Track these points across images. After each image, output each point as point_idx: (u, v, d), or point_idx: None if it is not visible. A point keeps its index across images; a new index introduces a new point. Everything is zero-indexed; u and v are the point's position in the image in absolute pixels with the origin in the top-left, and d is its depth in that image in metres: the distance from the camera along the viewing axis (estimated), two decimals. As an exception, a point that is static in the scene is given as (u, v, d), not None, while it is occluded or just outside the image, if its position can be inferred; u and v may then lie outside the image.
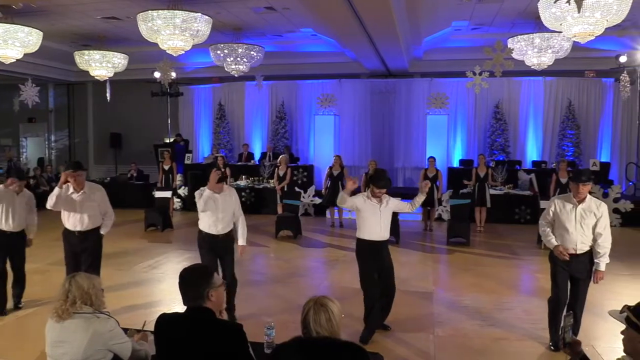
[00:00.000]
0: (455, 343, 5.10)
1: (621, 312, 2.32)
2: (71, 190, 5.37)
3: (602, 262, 4.61)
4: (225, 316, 2.88)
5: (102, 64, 12.62)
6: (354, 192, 5.15)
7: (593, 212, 4.59)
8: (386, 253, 5.21)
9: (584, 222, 4.58)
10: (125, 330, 3.38)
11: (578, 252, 4.64)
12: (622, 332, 2.30)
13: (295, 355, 2.47)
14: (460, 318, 5.76)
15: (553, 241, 4.69)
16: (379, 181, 5.04)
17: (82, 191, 5.40)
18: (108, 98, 14.55)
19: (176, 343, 2.67)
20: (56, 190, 5.28)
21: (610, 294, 6.41)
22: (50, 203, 5.31)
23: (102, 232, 5.60)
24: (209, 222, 5.33)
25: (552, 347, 4.87)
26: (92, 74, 12.87)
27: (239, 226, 5.48)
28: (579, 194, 4.57)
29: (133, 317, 5.38)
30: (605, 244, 4.61)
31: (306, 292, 6.54)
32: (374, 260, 5.14)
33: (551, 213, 4.76)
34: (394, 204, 5.25)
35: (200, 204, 5.25)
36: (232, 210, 5.37)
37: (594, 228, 4.61)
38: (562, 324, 2.62)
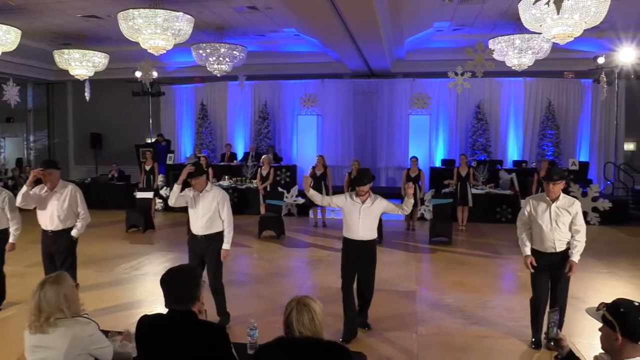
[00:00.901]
0: (438, 341, 5.13)
1: (598, 309, 2.36)
2: (45, 189, 5.32)
3: (577, 255, 4.67)
4: (205, 316, 2.83)
5: (82, 63, 12.45)
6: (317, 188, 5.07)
7: (567, 210, 4.68)
8: (367, 254, 5.11)
9: (559, 220, 4.67)
10: (106, 332, 3.33)
11: (557, 249, 4.72)
12: (600, 330, 2.33)
13: (278, 356, 2.46)
14: (443, 317, 5.80)
15: (526, 250, 4.82)
16: (360, 179, 5.04)
17: (54, 190, 5.33)
18: (87, 98, 14.36)
19: (158, 345, 2.64)
20: (24, 188, 5.23)
21: (590, 292, 6.52)
22: (17, 200, 5.27)
23: (72, 234, 5.45)
24: (191, 221, 5.29)
25: (533, 345, 4.92)
26: (72, 73, 12.70)
27: (225, 229, 5.26)
28: (552, 193, 4.66)
29: (114, 319, 5.34)
30: (581, 239, 4.68)
31: (289, 292, 6.52)
32: (352, 260, 5.11)
33: (526, 213, 4.86)
34: (382, 205, 5.10)
35: (171, 198, 5.23)
36: (213, 211, 5.17)
37: (570, 226, 4.69)
38: (547, 320, 2.65)
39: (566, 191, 5.09)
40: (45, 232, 5.40)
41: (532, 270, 4.79)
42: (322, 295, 6.19)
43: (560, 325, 4.67)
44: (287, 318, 2.47)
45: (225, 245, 5.26)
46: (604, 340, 2.30)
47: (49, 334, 2.72)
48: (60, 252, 5.38)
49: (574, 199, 4.81)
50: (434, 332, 5.37)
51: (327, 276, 7.46)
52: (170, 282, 2.70)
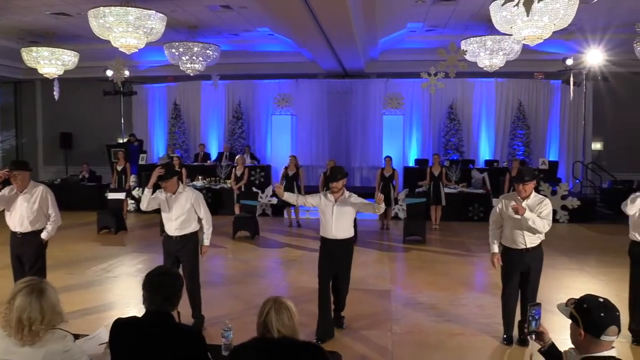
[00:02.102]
0: (413, 339, 5.18)
1: (566, 305, 2.42)
2: (14, 190, 5.21)
3: (533, 216, 4.65)
4: (179, 319, 2.79)
5: (51, 62, 12.20)
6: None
7: (537, 208, 4.76)
8: (342, 253, 5.11)
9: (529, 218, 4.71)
10: (77, 336, 3.28)
11: (528, 246, 4.80)
12: (570, 325, 2.39)
13: (253, 356, 2.46)
14: (417, 315, 5.86)
15: (494, 248, 4.99)
16: (332, 176, 5.07)
17: (24, 191, 5.20)
18: (56, 97, 14.08)
19: (133, 349, 2.59)
20: None
21: (560, 288, 6.66)
22: None
23: (42, 236, 5.32)
24: (164, 223, 5.25)
25: (505, 342, 5.01)
26: (40, 71, 12.44)
27: (204, 226, 5.26)
28: (522, 192, 4.77)
29: (85, 322, 5.24)
30: (544, 224, 4.67)
31: (264, 292, 6.50)
32: (328, 259, 5.12)
33: (498, 212, 4.98)
34: (355, 202, 5.10)
35: (142, 203, 5.16)
36: (187, 212, 5.11)
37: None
38: (527, 314, 2.71)
39: (537, 190, 5.21)
40: (14, 233, 5.27)
41: (496, 268, 4.96)
42: (297, 295, 6.20)
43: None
44: (265, 318, 2.45)
45: (206, 242, 5.28)
46: (572, 336, 2.36)
47: (19, 347, 2.51)
48: (29, 255, 5.26)
49: (544, 197, 4.90)
50: (408, 330, 5.42)
51: (301, 276, 7.46)
52: (159, 283, 2.63)
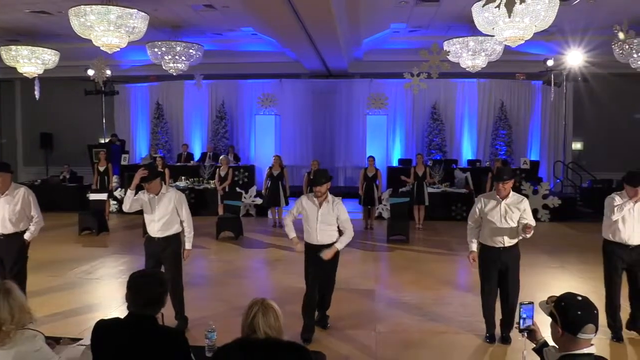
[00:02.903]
0: (397, 338, 5.21)
1: (547, 303, 2.45)
2: None
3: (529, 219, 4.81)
4: (162, 321, 2.77)
5: (31, 60, 12.00)
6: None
7: (517, 207, 4.86)
8: (329, 259, 5.01)
9: (508, 217, 4.84)
10: (59, 339, 3.24)
11: (506, 244, 4.89)
12: (550, 323, 2.42)
13: (238, 357, 2.45)
14: (400, 314, 5.89)
15: (472, 246, 5.11)
16: (317, 180, 5.01)
17: (5, 194, 5.16)
18: (37, 96, 13.88)
19: (116, 351, 2.56)
20: None
21: (542, 286, 6.74)
22: None
23: (25, 237, 5.30)
24: (147, 224, 5.21)
25: (487, 340, 5.07)
26: (20, 70, 12.23)
27: (185, 229, 5.21)
28: (502, 191, 4.85)
29: (67, 325, 5.19)
30: (531, 221, 4.80)
31: (248, 293, 6.48)
32: (313, 265, 5.06)
33: (477, 211, 5.05)
34: (340, 214, 5.03)
35: (125, 204, 5.12)
36: (170, 213, 5.08)
37: (519, 222, 4.84)
38: (518, 311, 2.74)
39: (518, 189, 5.33)
40: None
41: (472, 266, 5.08)
42: (282, 295, 6.19)
43: (512, 319, 4.86)
44: (251, 320, 2.44)
45: (187, 245, 5.22)
46: (551, 333, 2.39)
47: None
48: (11, 256, 5.23)
49: (523, 196, 5.01)
50: (393, 329, 5.45)
51: (286, 276, 7.46)
52: (142, 285, 2.61)
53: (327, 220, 5.02)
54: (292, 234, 5.29)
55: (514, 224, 4.83)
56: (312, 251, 5.07)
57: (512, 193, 4.92)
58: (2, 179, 5.13)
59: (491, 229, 4.90)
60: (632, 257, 4.93)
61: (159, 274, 2.76)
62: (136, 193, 5.06)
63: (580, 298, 2.34)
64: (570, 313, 2.28)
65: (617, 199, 4.91)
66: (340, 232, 5.17)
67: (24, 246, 5.35)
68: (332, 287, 5.31)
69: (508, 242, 4.87)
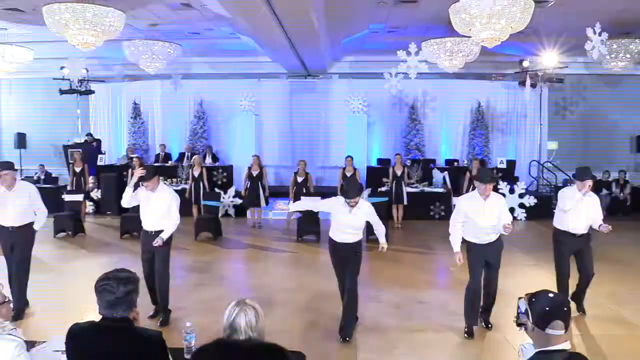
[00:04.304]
0: (376, 337, 5.23)
1: (524, 299, 2.48)
2: (2, 189, 5.61)
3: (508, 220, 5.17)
4: (138, 322, 2.72)
5: (3, 58, 11.78)
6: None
7: (497, 204, 5.23)
8: (351, 254, 5.33)
9: (491, 215, 5.17)
10: (33, 343, 3.19)
11: (492, 240, 5.24)
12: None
13: (217, 356, 2.44)
14: (379, 313, 5.92)
15: (457, 248, 5.28)
16: (350, 193, 5.20)
17: (12, 189, 5.63)
18: (10, 95, 13.61)
19: (91, 355, 2.53)
20: None
21: (519, 283, 6.83)
22: None
23: (35, 227, 5.88)
24: (142, 219, 5.56)
25: (466, 335, 5.18)
26: (-8, 69, 12.00)
27: (170, 222, 5.48)
28: (485, 192, 5.16)
29: (41, 328, 5.09)
30: (508, 219, 5.17)
31: (227, 294, 6.45)
32: (339, 261, 5.37)
33: (462, 212, 5.30)
34: (371, 219, 5.44)
35: (124, 201, 5.52)
36: (165, 208, 5.42)
37: (498, 217, 5.16)
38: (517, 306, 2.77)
39: (495, 189, 5.65)
40: (5, 228, 5.69)
41: (460, 264, 5.25)
42: (262, 296, 6.18)
43: (490, 309, 5.40)
44: (233, 321, 2.44)
45: (164, 235, 5.42)
46: (526, 329, 2.42)
47: None
48: (20, 244, 5.75)
49: (500, 195, 5.42)
50: (372, 328, 5.47)
51: (265, 277, 7.44)
52: (108, 287, 2.56)
53: (357, 223, 5.35)
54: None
55: (495, 221, 5.14)
56: (337, 248, 5.38)
57: (492, 193, 5.23)
58: (9, 177, 5.59)
59: (476, 227, 5.22)
60: (578, 244, 5.60)
61: (119, 275, 2.64)
62: (134, 190, 5.45)
63: (551, 295, 2.38)
64: (539, 308, 2.32)
65: (569, 193, 5.58)
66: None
67: (32, 235, 5.91)
68: (356, 288, 5.38)
69: (492, 237, 5.23)
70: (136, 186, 5.45)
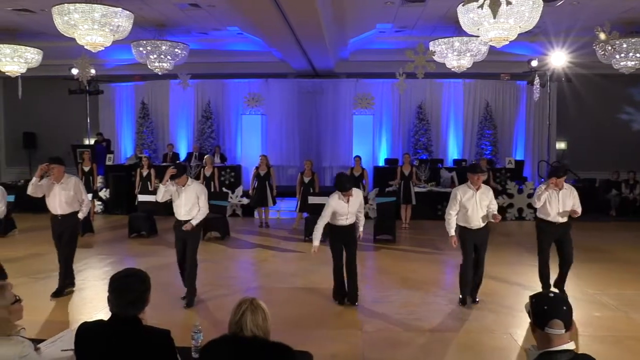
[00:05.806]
0: (384, 337, 5.22)
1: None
2: (52, 180, 6.29)
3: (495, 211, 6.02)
4: (145, 321, 2.73)
5: (13, 59, 11.84)
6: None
7: (486, 195, 5.98)
8: (350, 236, 6.20)
9: (481, 204, 5.94)
10: (41, 341, 3.20)
11: (481, 225, 5.98)
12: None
13: (225, 352, 2.46)
14: (388, 313, 5.91)
15: (452, 232, 6.07)
16: (343, 187, 5.89)
17: (60, 182, 6.31)
18: (19, 95, 13.70)
19: (100, 354, 2.54)
20: (33, 179, 6.25)
21: (524, 284, 6.80)
22: (28, 190, 6.30)
23: (79, 216, 6.58)
24: (175, 210, 6.19)
25: (460, 303, 6.02)
26: (2, 69, 12.05)
27: (199, 212, 6.16)
28: (476, 183, 5.91)
29: (50, 328, 5.12)
30: (495, 209, 6.06)
31: (234, 294, 6.47)
32: (339, 241, 6.21)
33: (457, 201, 6.00)
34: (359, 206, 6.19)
35: (158, 196, 6.16)
36: (193, 201, 6.09)
37: (487, 207, 5.96)
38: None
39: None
40: (55, 216, 6.42)
41: (454, 247, 6.10)
42: (269, 296, 6.19)
43: (478, 286, 6.14)
44: (239, 319, 2.46)
45: (194, 221, 6.10)
46: (531, 331, 2.40)
47: None
48: (67, 231, 6.41)
49: (488, 187, 6.14)
50: (380, 328, 5.46)
51: (272, 277, 7.45)
52: (125, 286, 2.58)
53: (353, 210, 6.12)
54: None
55: (484, 210, 5.95)
56: (338, 230, 6.15)
57: (482, 184, 5.97)
58: (58, 170, 6.25)
59: (468, 214, 5.96)
60: (558, 232, 6.25)
61: (139, 273, 2.70)
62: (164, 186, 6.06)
63: (552, 295, 2.35)
64: (537, 308, 2.30)
65: (542, 188, 6.14)
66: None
67: (77, 223, 6.64)
68: (355, 267, 6.23)
69: (480, 223, 5.97)
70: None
